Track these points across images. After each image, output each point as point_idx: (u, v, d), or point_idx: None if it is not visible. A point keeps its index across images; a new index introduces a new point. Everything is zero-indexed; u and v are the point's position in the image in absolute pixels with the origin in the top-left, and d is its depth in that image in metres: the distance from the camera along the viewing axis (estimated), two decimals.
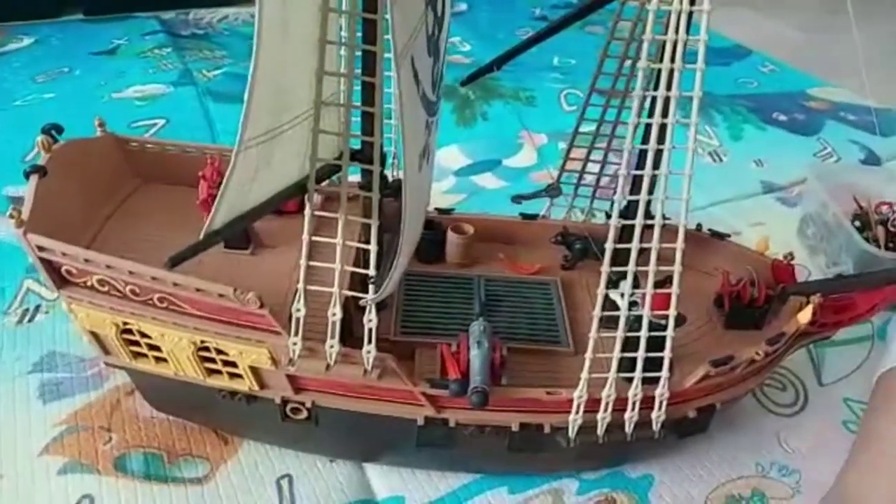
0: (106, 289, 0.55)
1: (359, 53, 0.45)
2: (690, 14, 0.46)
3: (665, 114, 0.48)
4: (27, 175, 0.57)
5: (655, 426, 0.58)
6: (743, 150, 1.24)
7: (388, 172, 0.63)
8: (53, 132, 0.60)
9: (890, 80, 1.51)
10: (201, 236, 0.45)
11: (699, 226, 0.74)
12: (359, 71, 0.46)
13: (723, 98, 1.39)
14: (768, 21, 1.88)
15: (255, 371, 0.57)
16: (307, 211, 0.49)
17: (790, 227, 1.03)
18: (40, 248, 0.53)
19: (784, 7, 1.98)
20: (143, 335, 0.57)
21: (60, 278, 0.56)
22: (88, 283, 0.55)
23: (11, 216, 0.53)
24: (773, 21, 1.88)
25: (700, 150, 1.22)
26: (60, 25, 1.56)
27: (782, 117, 1.35)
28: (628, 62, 0.63)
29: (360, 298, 0.53)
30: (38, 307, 0.81)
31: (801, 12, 2.03)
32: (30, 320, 0.79)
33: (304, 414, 0.60)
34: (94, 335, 0.59)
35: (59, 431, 0.66)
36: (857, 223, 0.92)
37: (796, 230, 1.02)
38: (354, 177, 0.52)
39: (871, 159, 1.21)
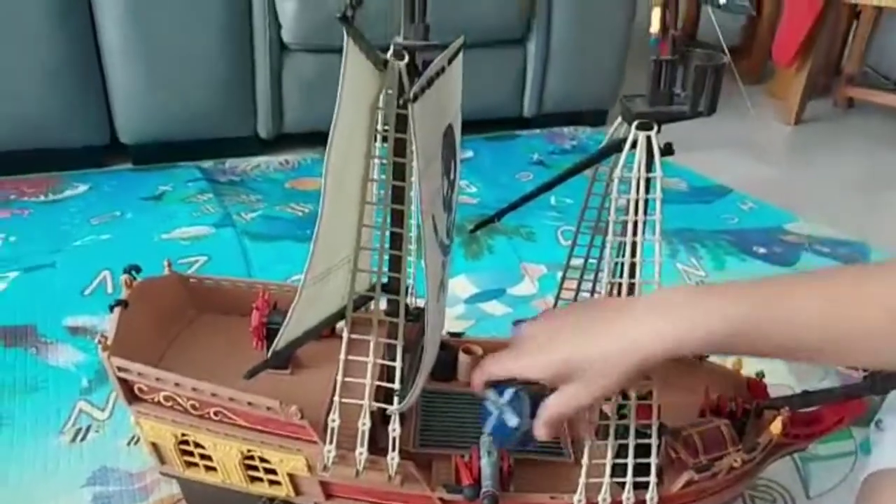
0: (170, 404, 0.65)
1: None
2: (648, 179, 0.60)
3: (634, 254, 0.60)
4: (112, 307, 0.68)
5: None
6: (726, 279, 1.35)
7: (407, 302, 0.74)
8: (133, 272, 0.72)
9: (858, 212, 1.67)
10: (268, 355, 0.56)
11: None
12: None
13: (705, 233, 1.53)
14: (747, 162, 2.08)
15: (292, 478, 0.65)
16: (345, 334, 0.60)
17: None
18: (120, 369, 0.64)
19: (760, 149, 2.19)
20: (198, 445, 0.66)
21: (132, 395, 0.65)
22: (156, 399, 0.65)
23: (99, 342, 0.64)
24: (751, 162, 2.08)
25: (686, 279, 1.34)
26: (111, 174, 1.74)
27: (762, 250, 1.48)
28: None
29: (384, 413, 0.62)
30: (89, 427, 0.89)
31: (775, 152, 2.24)
32: (82, 439, 0.87)
33: None
34: (155, 446, 0.67)
35: None
36: None
37: None
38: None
39: None
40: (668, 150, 0.61)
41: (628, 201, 0.60)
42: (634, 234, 0.60)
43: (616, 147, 0.61)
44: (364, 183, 0.57)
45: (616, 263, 0.62)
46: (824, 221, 1.62)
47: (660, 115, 0.59)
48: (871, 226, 1.62)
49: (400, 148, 0.57)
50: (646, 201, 0.60)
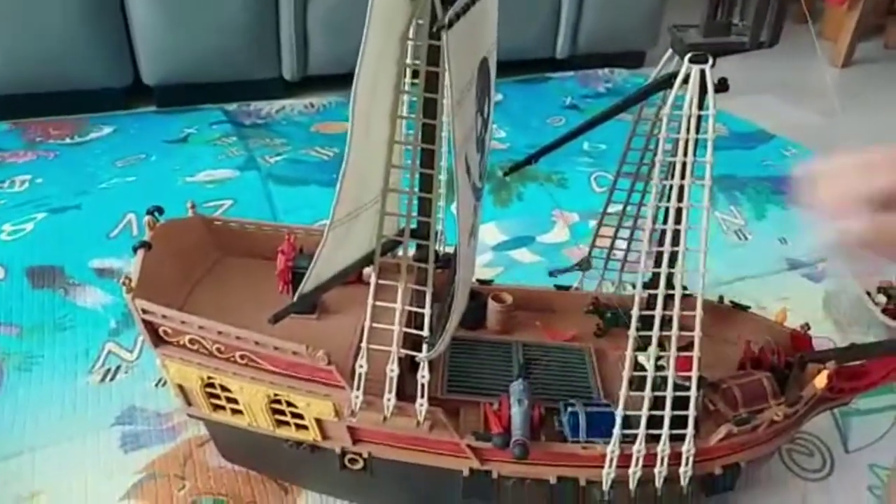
0: (195, 347, 0.64)
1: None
2: (699, 117, 0.55)
3: (680, 198, 0.56)
4: (135, 249, 0.67)
5: (683, 481, 0.63)
6: (767, 228, 1.30)
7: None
8: (156, 213, 0.70)
9: None
10: (295, 298, 0.54)
11: (721, 298, 0.80)
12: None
13: (747, 179, 1.47)
14: (791, 107, 1.98)
15: (319, 422, 0.64)
16: (372, 279, 0.57)
17: (816, 302, 1.07)
18: (144, 311, 0.63)
19: (806, 93, 2.08)
20: (224, 389, 0.65)
21: (157, 337, 0.65)
22: (181, 342, 0.64)
23: (123, 283, 0.62)
24: (795, 107, 1.98)
25: (724, 228, 1.29)
26: (136, 116, 1.72)
27: None
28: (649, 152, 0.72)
29: (412, 360, 0.60)
30: (118, 367, 0.90)
31: (822, 99, 2.13)
32: (111, 379, 0.88)
33: (361, 464, 0.66)
34: (181, 388, 0.67)
35: (139, 478, 0.74)
36: (882, 296, 0.97)
37: (821, 305, 1.07)
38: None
39: None
40: (722, 85, 0.56)
41: (675, 141, 0.56)
42: (682, 176, 0.55)
43: (665, 82, 0.57)
44: (393, 120, 0.53)
45: (659, 208, 0.59)
46: None
47: (716, 47, 0.54)
48: None
49: (431, 82, 0.53)
50: (695, 141, 0.56)
